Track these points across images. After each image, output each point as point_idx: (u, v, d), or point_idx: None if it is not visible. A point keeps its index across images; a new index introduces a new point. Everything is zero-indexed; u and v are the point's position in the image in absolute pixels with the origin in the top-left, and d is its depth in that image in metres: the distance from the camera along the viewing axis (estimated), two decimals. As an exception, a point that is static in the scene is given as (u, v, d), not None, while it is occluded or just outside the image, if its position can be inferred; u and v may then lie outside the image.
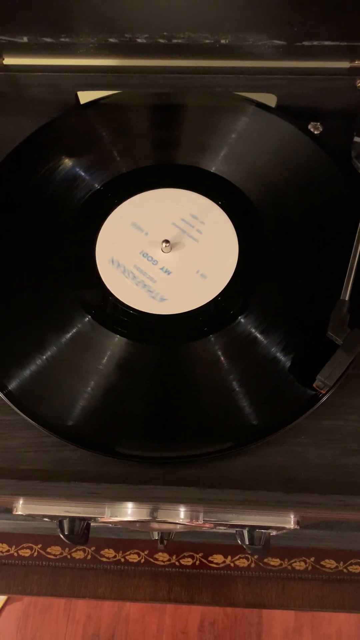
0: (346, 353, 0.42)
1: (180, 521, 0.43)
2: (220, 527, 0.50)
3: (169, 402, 0.45)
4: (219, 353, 0.45)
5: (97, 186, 0.52)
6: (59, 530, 0.49)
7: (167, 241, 0.48)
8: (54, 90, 0.55)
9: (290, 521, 0.43)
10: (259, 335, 0.45)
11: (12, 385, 0.45)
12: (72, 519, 0.48)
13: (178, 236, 0.49)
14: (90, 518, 0.46)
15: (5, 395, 0.45)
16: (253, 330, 0.45)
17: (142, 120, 0.55)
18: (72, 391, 0.45)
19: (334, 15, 0.40)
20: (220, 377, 0.44)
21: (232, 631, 1.26)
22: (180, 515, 0.43)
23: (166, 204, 0.51)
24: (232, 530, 0.52)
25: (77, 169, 0.52)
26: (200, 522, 0.43)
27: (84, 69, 0.54)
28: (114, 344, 0.46)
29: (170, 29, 0.42)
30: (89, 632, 1.27)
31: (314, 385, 0.43)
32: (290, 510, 0.40)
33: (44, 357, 0.46)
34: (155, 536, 0.53)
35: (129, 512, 0.42)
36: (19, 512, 0.44)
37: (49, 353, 0.46)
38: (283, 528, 0.45)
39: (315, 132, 0.53)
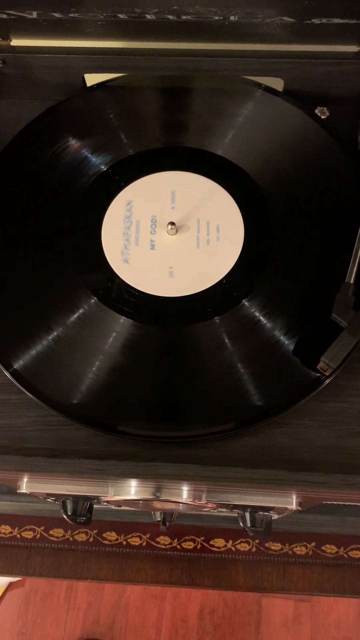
0: (351, 335, 0.43)
1: (183, 500, 0.43)
2: (223, 509, 0.51)
3: (174, 382, 0.45)
4: (224, 335, 0.45)
5: (103, 168, 0.52)
6: (62, 510, 0.49)
7: (172, 223, 0.48)
8: (61, 72, 0.55)
9: (292, 502, 0.43)
10: (263, 318, 0.46)
11: (19, 364, 0.45)
12: (76, 499, 0.48)
13: (184, 219, 0.49)
14: (94, 497, 0.47)
15: (11, 374, 0.45)
16: (257, 313, 0.46)
17: (149, 103, 0.55)
18: (78, 371, 0.45)
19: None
20: (225, 358, 0.45)
21: (232, 619, 1.27)
22: (183, 494, 0.43)
23: (172, 187, 0.51)
24: (234, 514, 0.52)
25: (84, 151, 0.52)
26: (203, 501, 0.44)
27: (91, 51, 0.54)
28: (120, 325, 0.46)
29: (181, 2, 0.42)
30: (90, 619, 1.28)
31: (318, 367, 0.43)
32: (293, 489, 0.41)
33: (51, 337, 0.46)
34: (158, 517, 0.53)
35: (132, 490, 0.43)
36: (24, 490, 0.44)
37: (55, 333, 0.46)
38: (285, 509, 0.45)
39: (322, 117, 0.53)
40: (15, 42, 0.53)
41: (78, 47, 0.53)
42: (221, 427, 0.43)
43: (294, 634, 1.26)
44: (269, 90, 0.54)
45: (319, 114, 0.53)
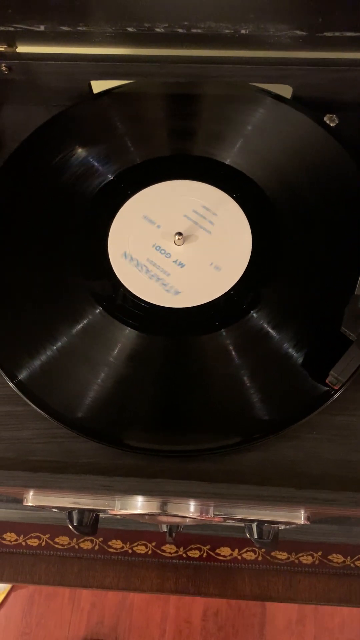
0: (360, 349, 0.42)
1: (190, 515, 0.43)
2: (230, 521, 0.50)
3: (181, 395, 0.44)
4: (231, 347, 0.45)
5: (110, 177, 0.51)
6: (68, 521, 0.49)
7: (180, 233, 0.48)
8: (67, 78, 0.54)
9: (300, 517, 0.43)
10: (271, 330, 0.45)
11: (23, 375, 0.45)
12: (82, 511, 0.48)
13: (191, 229, 0.49)
14: (100, 510, 0.46)
15: (16, 384, 0.45)
16: (266, 325, 0.45)
17: (156, 110, 0.54)
18: (83, 383, 0.45)
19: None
20: (232, 371, 0.44)
21: (235, 621, 1.26)
22: (190, 509, 0.42)
23: (180, 196, 0.50)
24: (241, 524, 0.52)
25: (90, 159, 0.52)
26: (210, 516, 0.43)
27: (98, 57, 0.53)
28: (125, 336, 0.45)
29: (192, 18, 0.41)
30: (94, 620, 1.28)
31: (327, 380, 0.42)
32: (301, 506, 0.40)
33: (55, 347, 0.45)
34: (164, 529, 0.53)
35: (139, 505, 0.42)
36: (29, 504, 0.44)
37: (59, 344, 0.46)
38: (293, 523, 0.45)
39: (331, 124, 0.53)
40: (21, 48, 0.53)
41: (84, 54, 0.52)
42: (229, 442, 0.42)
43: (297, 636, 1.25)
44: (277, 97, 0.53)
45: (328, 122, 0.53)
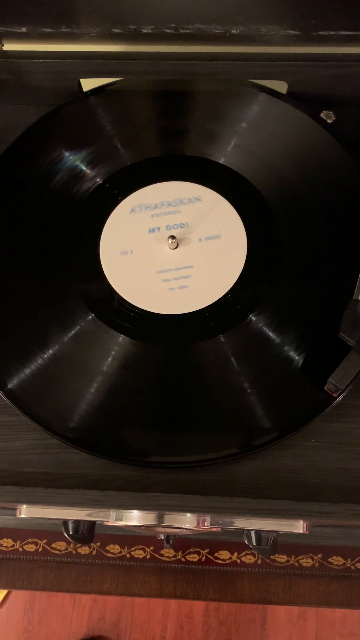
0: (359, 355, 0.41)
1: (187, 526, 0.42)
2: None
3: (176, 404, 0.44)
4: (228, 354, 0.44)
5: (99, 180, 0.50)
6: (63, 530, 0.48)
7: (173, 237, 0.46)
8: (56, 77, 0.53)
9: (299, 526, 0.42)
10: (269, 336, 0.44)
11: (15, 385, 0.44)
12: (77, 520, 0.47)
13: (185, 232, 0.48)
14: (95, 521, 0.46)
15: (6, 394, 0.44)
16: (263, 330, 0.44)
17: (147, 109, 0.53)
18: (75, 392, 0.44)
19: (357, 9, 0.38)
20: (229, 379, 0.43)
21: (237, 616, 1.26)
22: (187, 520, 0.42)
23: (173, 198, 0.49)
24: (240, 530, 0.51)
25: (80, 162, 0.50)
26: (207, 526, 0.42)
27: (88, 55, 0.51)
28: (119, 344, 0.44)
29: (179, 20, 0.40)
30: (95, 616, 1.28)
31: (326, 388, 0.41)
32: (299, 519, 0.39)
33: (47, 356, 0.44)
34: (162, 536, 0.52)
35: (134, 516, 0.42)
36: (23, 516, 0.43)
37: (51, 352, 0.45)
38: (292, 532, 0.44)
39: (328, 121, 0.51)
40: (8, 46, 0.51)
41: (73, 52, 0.51)
42: (225, 452, 0.41)
43: (299, 629, 1.26)
44: (273, 93, 0.51)
45: (324, 118, 0.51)
